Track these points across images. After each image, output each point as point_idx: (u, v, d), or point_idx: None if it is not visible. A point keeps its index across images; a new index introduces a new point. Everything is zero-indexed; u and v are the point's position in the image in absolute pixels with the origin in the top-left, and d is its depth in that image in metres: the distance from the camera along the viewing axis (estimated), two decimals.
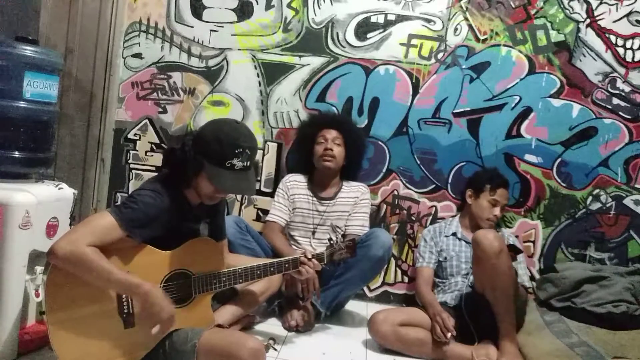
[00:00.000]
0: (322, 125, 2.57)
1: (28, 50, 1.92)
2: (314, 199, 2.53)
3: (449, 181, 2.73)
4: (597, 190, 2.66)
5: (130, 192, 1.85)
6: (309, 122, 2.69)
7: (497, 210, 2.42)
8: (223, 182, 1.63)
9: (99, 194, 2.83)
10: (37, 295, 1.84)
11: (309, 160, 2.57)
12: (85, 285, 1.52)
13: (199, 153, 1.62)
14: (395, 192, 2.76)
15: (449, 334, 2.05)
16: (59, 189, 1.99)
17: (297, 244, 2.52)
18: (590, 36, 2.61)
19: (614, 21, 2.60)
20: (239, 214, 2.81)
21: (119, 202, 2.25)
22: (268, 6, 2.74)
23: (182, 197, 1.70)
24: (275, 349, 2.00)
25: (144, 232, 1.58)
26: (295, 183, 2.57)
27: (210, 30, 2.78)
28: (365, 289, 2.76)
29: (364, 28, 2.71)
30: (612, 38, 2.60)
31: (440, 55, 2.69)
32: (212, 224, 1.85)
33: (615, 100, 2.62)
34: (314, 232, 2.52)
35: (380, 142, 2.73)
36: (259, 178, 2.77)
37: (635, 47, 2.60)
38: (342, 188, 2.56)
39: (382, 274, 2.75)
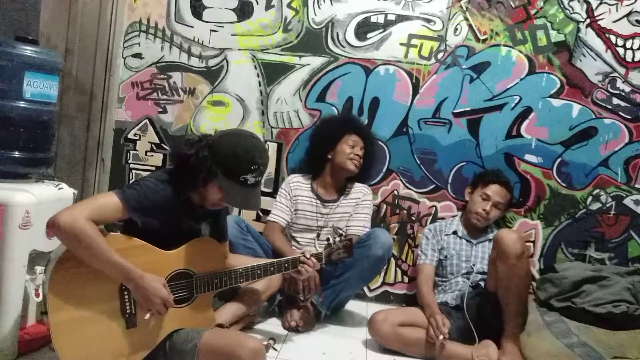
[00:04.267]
0: (354, 129, 2.53)
1: (28, 50, 1.92)
2: (317, 201, 2.53)
3: (449, 181, 2.73)
4: (597, 190, 2.66)
5: None
6: (341, 119, 2.65)
7: (487, 205, 2.41)
8: (233, 197, 1.66)
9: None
10: (37, 295, 1.84)
11: (322, 156, 2.53)
12: (88, 285, 1.53)
13: (215, 164, 1.62)
14: (395, 192, 2.76)
15: (441, 337, 2.02)
16: (59, 189, 1.99)
17: (299, 245, 2.52)
18: (590, 36, 2.61)
19: (614, 21, 2.60)
20: (239, 214, 2.81)
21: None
22: (268, 6, 2.74)
23: (185, 195, 1.70)
24: (275, 349, 2.01)
25: (144, 216, 1.59)
26: (299, 184, 2.57)
27: (210, 30, 2.78)
28: (365, 288, 2.76)
29: (364, 28, 2.71)
30: (612, 38, 2.60)
31: (440, 55, 2.69)
32: (213, 224, 1.85)
33: (615, 100, 2.62)
34: (318, 235, 2.51)
35: (380, 142, 2.73)
36: None
37: (635, 47, 2.60)
38: (345, 191, 2.56)
39: (382, 274, 2.75)
